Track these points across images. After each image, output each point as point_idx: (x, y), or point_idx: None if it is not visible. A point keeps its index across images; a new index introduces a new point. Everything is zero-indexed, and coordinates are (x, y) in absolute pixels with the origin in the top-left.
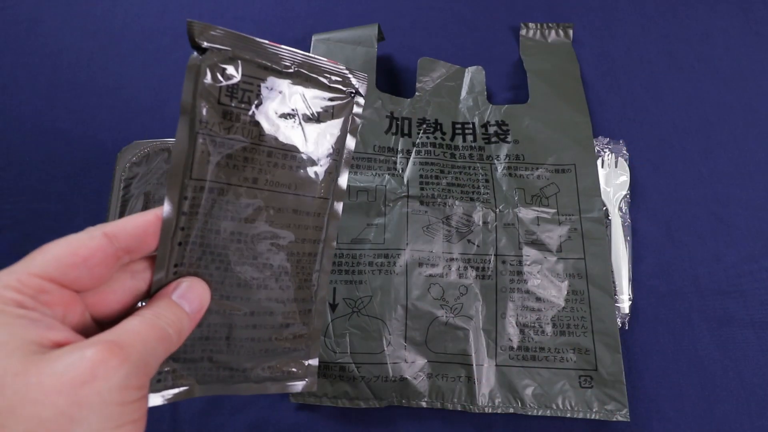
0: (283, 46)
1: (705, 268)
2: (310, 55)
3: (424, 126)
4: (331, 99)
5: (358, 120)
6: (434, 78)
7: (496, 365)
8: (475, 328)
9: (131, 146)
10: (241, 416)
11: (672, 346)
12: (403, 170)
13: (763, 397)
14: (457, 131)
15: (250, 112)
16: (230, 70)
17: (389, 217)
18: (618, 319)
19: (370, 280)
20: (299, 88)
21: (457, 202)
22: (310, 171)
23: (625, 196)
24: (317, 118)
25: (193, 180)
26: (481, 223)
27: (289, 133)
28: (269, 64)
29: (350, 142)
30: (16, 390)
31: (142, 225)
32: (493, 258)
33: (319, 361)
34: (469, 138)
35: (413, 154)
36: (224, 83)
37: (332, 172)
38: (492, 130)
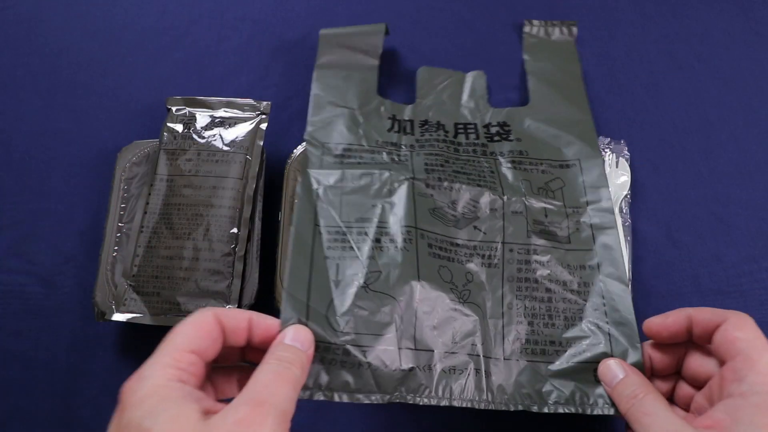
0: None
1: (705, 268)
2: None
3: (427, 126)
4: (243, 119)
5: (263, 128)
6: (435, 84)
7: (504, 359)
8: (483, 319)
9: (131, 146)
10: None
11: None
12: (407, 159)
13: None
14: (460, 130)
15: (191, 135)
16: (179, 114)
17: (396, 198)
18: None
19: (378, 256)
20: (221, 113)
21: (464, 187)
22: (227, 162)
23: (626, 196)
24: (232, 132)
25: (157, 174)
26: (488, 210)
27: (213, 142)
28: (202, 108)
29: (258, 143)
30: None
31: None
32: (500, 246)
33: (320, 342)
34: (472, 136)
35: (417, 148)
36: (177, 123)
37: (244, 162)
38: (494, 130)
